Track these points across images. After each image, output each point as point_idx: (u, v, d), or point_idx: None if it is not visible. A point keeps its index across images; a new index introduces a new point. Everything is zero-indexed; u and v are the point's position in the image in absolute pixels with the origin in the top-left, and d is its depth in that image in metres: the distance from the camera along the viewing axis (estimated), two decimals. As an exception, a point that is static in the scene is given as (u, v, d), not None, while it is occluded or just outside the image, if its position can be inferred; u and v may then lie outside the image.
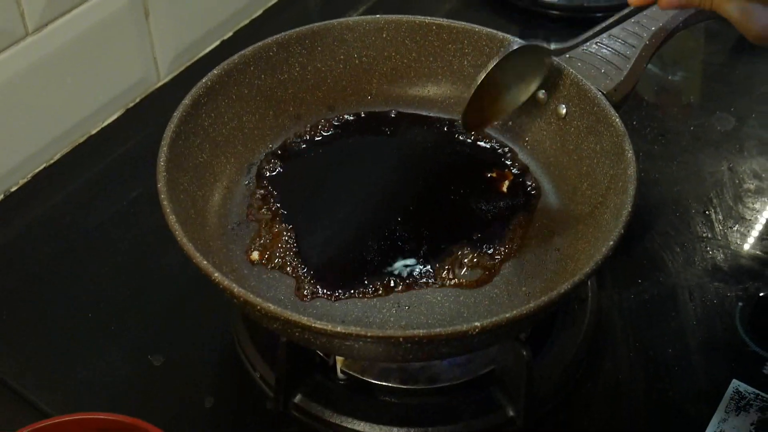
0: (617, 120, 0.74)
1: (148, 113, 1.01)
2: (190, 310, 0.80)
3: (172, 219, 0.66)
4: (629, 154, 0.71)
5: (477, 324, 0.59)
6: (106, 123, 0.99)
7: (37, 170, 0.93)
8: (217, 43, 1.08)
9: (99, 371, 0.76)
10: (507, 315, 0.60)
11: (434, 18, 0.84)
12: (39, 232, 0.88)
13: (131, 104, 1.01)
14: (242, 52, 0.80)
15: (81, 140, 0.97)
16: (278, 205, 0.78)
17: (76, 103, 0.95)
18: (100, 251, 0.86)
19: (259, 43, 0.81)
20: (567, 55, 0.82)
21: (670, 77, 1.09)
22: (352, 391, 0.74)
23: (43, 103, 0.91)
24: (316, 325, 0.59)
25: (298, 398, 0.72)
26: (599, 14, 1.11)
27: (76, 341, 0.78)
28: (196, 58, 1.06)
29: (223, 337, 0.78)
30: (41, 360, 0.77)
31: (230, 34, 1.09)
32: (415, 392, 0.74)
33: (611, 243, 0.64)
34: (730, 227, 0.88)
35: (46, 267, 0.85)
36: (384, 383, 0.74)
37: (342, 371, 0.74)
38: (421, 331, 0.59)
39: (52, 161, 0.94)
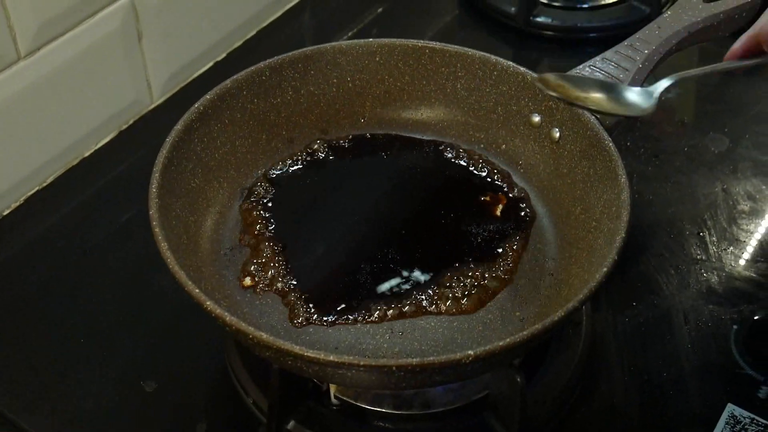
0: (610, 144, 0.74)
1: (141, 135, 1.00)
2: (183, 335, 0.80)
3: (164, 246, 0.66)
4: (622, 179, 0.71)
5: (470, 353, 0.59)
6: (99, 145, 0.99)
7: (30, 193, 0.93)
8: (211, 64, 1.08)
9: (91, 396, 0.76)
10: (500, 343, 0.60)
11: (427, 42, 0.84)
12: (31, 256, 0.88)
13: (125, 126, 1.01)
14: (234, 76, 0.80)
15: (74, 162, 0.97)
16: (271, 229, 0.78)
17: (69, 126, 0.94)
18: (92, 275, 0.86)
19: (252, 68, 0.81)
20: (561, 79, 0.82)
21: (665, 95, 1.09)
22: (346, 416, 0.73)
23: (35, 126, 0.90)
24: (309, 354, 0.59)
25: (291, 425, 0.72)
26: (593, 35, 1.11)
27: (67, 366, 0.78)
28: (189, 80, 1.06)
29: (215, 362, 0.78)
30: (31, 385, 0.76)
31: (224, 55, 1.09)
32: (409, 417, 0.73)
33: (605, 270, 0.64)
34: (725, 249, 0.87)
35: (37, 290, 0.84)
36: (378, 409, 0.73)
37: (335, 397, 0.74)
38: (414, 360, 0.59)
39: (45, 184, 0.94)
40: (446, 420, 0.73)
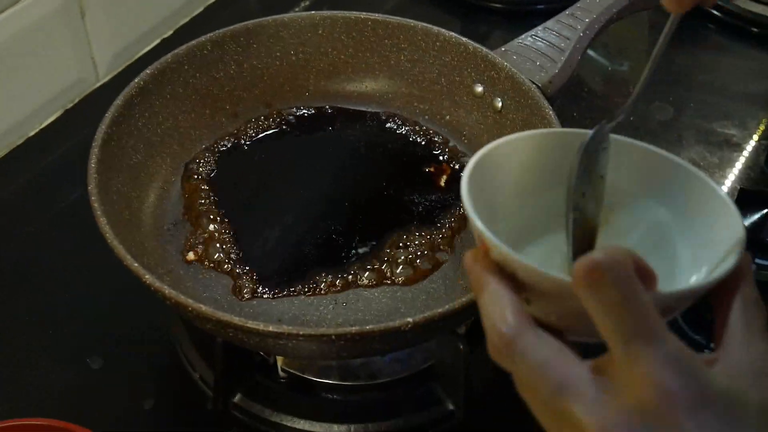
0: (550, 112, 0.74)
1: (87, 113, 0.99)
2: (129, 312, 0.79)
3: (102, 221, 0.66)
4: (563, 147, 0.71)
5: (409, 320, 0.59)
6: (44, 125, 0.98)
7: (-27, 174, 0.92)
8: (158, 41, 1.07)
9: (36, 375, 0.75)
10: (439, 310, 0.60)
11: (369, 14, 0.84)
12: (-25, 237, 0.87)
13: (70, 105, 1.00)
14: (175, 51, 0.80)
15: (19, 143, 0.95)
16: (214, 203, 0.77)
17: (12, 106, 0.93)
18: (37, 255, 0.85)
19: (193, 42, 0.81)
20: (502, 49, 0.83)
21: (616, 67, 1.10)
22: (293, 389, 0.73)
23: (-23, 105, 0.89)
24: (248, 325, 0.59)
25: (237, 398, 0.72)
26: (540, 6, 1.11)
27: (12, 345, 0.77)
28: (136, 57, 1.05)
29: (162, 338, 0.77)
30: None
31: (170, 32, 1.08)
32: (356, 389, 0.74)
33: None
34: (669, 216, 0.88)
35: (-19, 272, 0.84)
36: (324, 380, 0.73)
37: (282, 369, 0.74)
38: (353, 328, 0.59)
39: (-12, 165, 0.93)
40: (393, 390, 0.74)
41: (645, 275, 0.40)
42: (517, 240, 0.51)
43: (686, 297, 0.44)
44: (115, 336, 0.78)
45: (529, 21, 1.11)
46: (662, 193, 0.52)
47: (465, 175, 0.48)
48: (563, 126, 0.73)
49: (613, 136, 0.54)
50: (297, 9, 1.12)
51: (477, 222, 0.46)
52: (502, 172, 0.52)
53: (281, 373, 0.74)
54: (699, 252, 0.49)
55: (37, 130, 0.97)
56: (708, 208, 0.49)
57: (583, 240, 0.50)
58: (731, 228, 0.47)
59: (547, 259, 0.53)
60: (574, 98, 1.00)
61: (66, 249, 0.85)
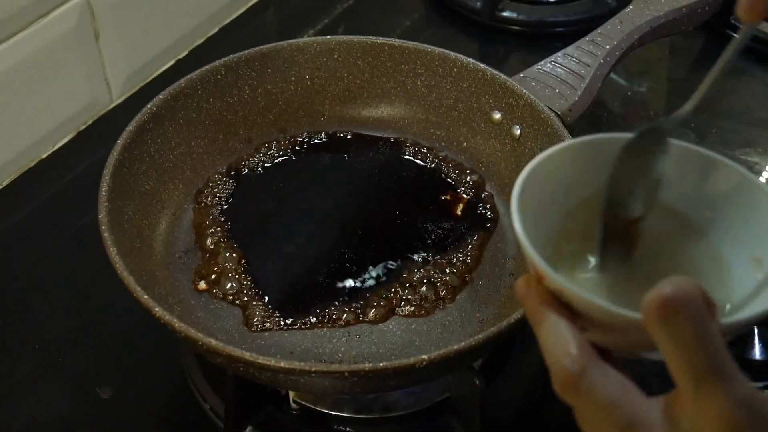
0: (570, 142, 0.72)
1: (100, 136, 0.98)
2: (139, 341, 0.78)
3: (112, 251, 0.64)
4: (582, 177, 0.70)
5: (424, 357, 0.58)
6: (56, 147, 0.97)
7: (-16, 197, 0.91)
8: (172, 62, 1.06)
9: (45, 405, 0.74)
10: (455, 347, 0.59)
11: (386, 38, 0.83)
12: (-15, 261, 0.86)
13: (83, 127, 0.99)
14: (189, 75, 0.79)
15: (31, 165, 0.95)
16: (226, 231, 0.76)
17: (25, 128, 0.92)
18: (47, 281, 0.84)
19: (207, 66, 0.80)
20: (521, 75, 0.81)
21: (636, 88, 1.08)
22: (305, 421, 0.72)
23: (-10, 128, 0.89)
24: (260, 361, 0.58)
25: (248, 430, 0.70)
26: (560, 29, 1.10)
27: (20, 373, 0.76)
28: (150, 78, 1.04)
29: (173, 367, 0.76)
30: (-17, 395, 0.75)
31: (185, 53, 1.08)
32: (370, 421, 0.72)
33: (563, 271, 0.63)
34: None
35: (-9, 297, 0.83)
36: (338, 413, 0.72)
37: (294, 401, 0.72)
38: (366, 365, 0.58)
39: (0, 187, 0.92)
40: (407, 423, 0.72)
41: (708, 306, 0.39)
42: (571, 261, 0.50)
43: (745, 325, 0.43)
44: (124, 365, 0.77)
45: (547, 44, 1.10)
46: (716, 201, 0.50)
47: (514, 197, 0.47)
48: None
49: (677, 142, 0.52)
50: (312, 31, 1.11)
51: (529, 249, 0.44)
52: (548, 189, 0.50)
53: (293, 405, 0.72)
54: (754, 264, 0.47)
55: (50, 152, 0.96)
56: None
57: (618, 243, 0.49)
58: None
59: (600, 282, 0.51)
60: (595, 122, 0.99)
61: (76, 274, 0.84)
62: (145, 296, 0.61)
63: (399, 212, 0.79)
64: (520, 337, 0.76)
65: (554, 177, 0.50)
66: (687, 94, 1.03)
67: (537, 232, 0.46)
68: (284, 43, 0.82)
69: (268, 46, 0.82)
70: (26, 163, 0.94)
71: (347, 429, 0.72)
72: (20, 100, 0.90)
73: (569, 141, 0.52)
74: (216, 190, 0.79)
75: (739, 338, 0.76)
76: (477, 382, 0.66)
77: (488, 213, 0.79)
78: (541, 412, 0.74)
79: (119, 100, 1.02)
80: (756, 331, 0.75)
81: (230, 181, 0.80)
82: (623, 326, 0.41)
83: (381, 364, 0.58)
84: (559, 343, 0.42)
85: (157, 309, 0.61)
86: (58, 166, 0.95)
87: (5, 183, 0.93)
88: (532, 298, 0.44)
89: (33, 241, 0.88)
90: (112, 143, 0.74)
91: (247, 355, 0.58)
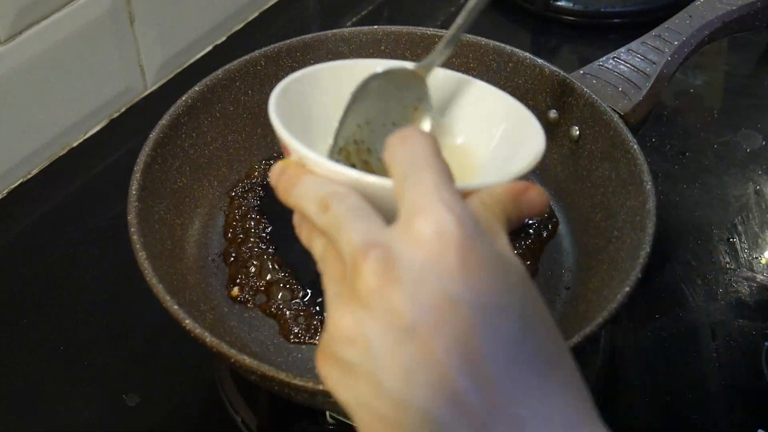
0: (635, 147, 0.67)
1: (134, 124, 0.94)
2: (169, 346, 0.74)
3: (141, 255, 0.60)
4: (648, 186, 0.65)
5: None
6: (88, 134, 0.93)
7: (13, 185, 0.88)
8: (210, 48, 1.02)
9: (70, 411, 0.70)
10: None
11: (436, 30, 0.78)
12: (13, 255, 0.82)
13: (116, 114, 0.95)
14: (227, 66, 0.74)
15: (62, 153, 0.91)
16: (264, 234, 0.72)
17: (56, 114, 0.89)
18: (76, 276, 0.80)
19: (246, 57, 0.75)
20: (581, 71, 0.76)
21: (691, 80, 1.02)
22: (342, 438, 0.68)
23: (20, 114, 0.85)
24: (295, 382, 0.54)
25: (282, 447, 0.66)
26: (616, 20, 1.04)
27: (46, 378, 0.72)
28: (186, 65, 1.00)
29: (203, 375, 0.72)
30: (7, 401, 0.71)
31: (223, 38, 1.03)
32: (410, 440, 0.68)
33: (627, 289, 0.58)
34: (757, 257, 0.81)
35: (15, 294, 0.79)
36: (376, 431, 0.67)
37: (331, 416, 0.68)
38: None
39: (29, 176, 0.89)
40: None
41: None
42: None
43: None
44: (153, 371, 0.73)
45: (603, 35, 1.05)
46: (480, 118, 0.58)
47: (273, 96, 0.52)
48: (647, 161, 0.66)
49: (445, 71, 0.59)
50: (355, 18, 1.06)
51: (279, 127, 0.49)
52: (313, 99, 0.55)
53: (329, 421, 0.68)
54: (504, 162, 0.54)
55: (81, 140, 0.92)
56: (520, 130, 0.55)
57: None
58: (534, 146, 0.52)
59: None
60: (652, 121, 0.93)
61: (105, 271, 0.80)
62: (175, 306, 0.57)
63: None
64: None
65: (319, 92, 0.55)
66: (749, 93, 0.98)
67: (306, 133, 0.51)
68: (328, 32, 0.77)
69: (310, 35, 0.77)
70: (57, 151, 0.91)
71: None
72: (52, 85, 0.86)
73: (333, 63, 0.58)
74: (253, 188, 0.75)
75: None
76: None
77: (544, 221, 0.73)
78: None
79: (154, 87, 0.98)
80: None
81: (267, 178, 0.76)
82: (372, 192, 0.43)
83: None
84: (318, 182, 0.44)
85: (187, 321, 0.56)
86: (89, 155, 0.92)
87: (34, 172, 0.89)
88: (288, 176, 0.46)
89: (61, 233, 0.84)
90: (146, 132, 0.70)
91: (282, 375, 0.54)
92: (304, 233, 0.46)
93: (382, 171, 0.52)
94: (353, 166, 0.53)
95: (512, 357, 0.37)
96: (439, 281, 0.37)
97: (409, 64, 0.56)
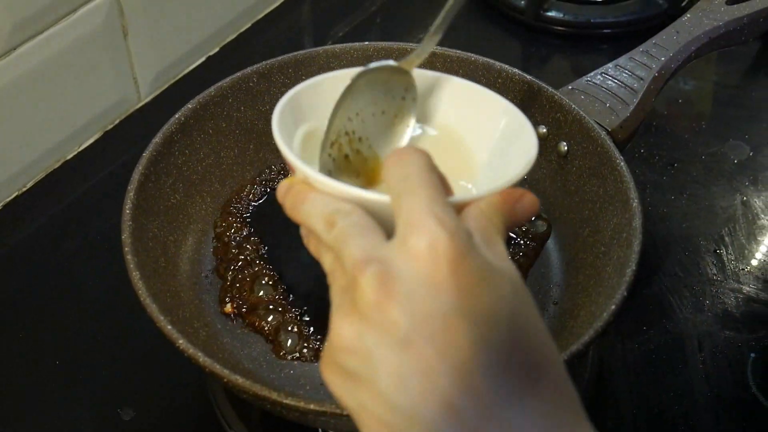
0: (622, 164, 0.68)
1: (128, 135, 0.95)
2: (164, 360, 0.75)
3: (135, 275, 0.61)
4: (634, 204, 0.66)
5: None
6: (83, 147, 0.93)
7: (8, 199, 0.88)
8: (203, 59, 1.03)
9: (64, 424, 0.71)
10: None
11: (427, 46, 0.78)
12: (7, 268, 0.83)
13: (110, 126, 0.95)
14: (219, 83, 0.75)
15: (56, 166, 0.91)
16: (256, 250, 0.73)
17: (51, 127, 0.89)
18: (70, 290, 0.81)
19: (238, 74, 0.76)
20: (569, 87, 0.77)
21: (681, 87, 1.03)
22: (334, 453, 0.69)
23: (14, 128, 0.85)
24: (287, 402, 0.54)
25: (274, 462, 0.67)
26: (607, 30, 1.04)
27: (39, 390, 0.73)
28: (180, 76, 1.01)
29: (197, 390, 0.73)
30: (1, 412, 0.72)
31: (216, 49, 1.04)
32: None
33: (613, 307, 0.59)
34: (743, 268, 0.82)
35: (9, 308, 0.79)
36: (368, 444, 0.68)
37: None
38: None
39: (24, 189, 0.89)
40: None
41: (440, 178, 0.45)
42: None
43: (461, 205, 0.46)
44: (148, 385, 0.74)
45: (593, 45, 1.06)
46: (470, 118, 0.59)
47: (275, 115, 0.53)
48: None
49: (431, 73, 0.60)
50: (347, 29, 1.06)
51: (282, 146, 0.50)
52: (314, 110, 0.56)
53: (322, 435, 0.69)
54: (498, 165, 0.56)
55: (75, 152, 0.93)
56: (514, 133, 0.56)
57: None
58: (527, 150, 0.53)
59: None
60: (641, 134, 0.94)
61: (100, 284, 0.81)
62: (169, 327, 0.58)
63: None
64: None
65: (320, 105, 0.56)
66: (737, 103, 0.99)
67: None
68: (320, 49, 0.78)
69: (302, 52, 0.78)
70: (51, 164, 0.91)
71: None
72: (46, 98, 0.87)
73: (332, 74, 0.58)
74: (245, 204, 0.76)
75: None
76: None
77: (532, 236, 0.74)
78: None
79: (147, 99, 0.98)
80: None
81: (260, 194, 0.77)
82: (372, 208, 0.45)
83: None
84: (324, 200, 0.46)
85: (181, 341, 0.57)
86: (83, 168, 0.92)
87: (29, 185, 0.90)
88: (294, 193, 0.48)
89: (55, 246, 0.85)
90: (140, 144, 0.71)
91: (274, 395, 0.55)
92: (312, 246, 0.49)
93: (373, 158, 0.56)
94: (345, 156, 0.55)
95: (502, 365, 0.39)
96: (432, 294, 0.39)
97: (394, 62, 0.57)
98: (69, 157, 0.93)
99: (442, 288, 0.39)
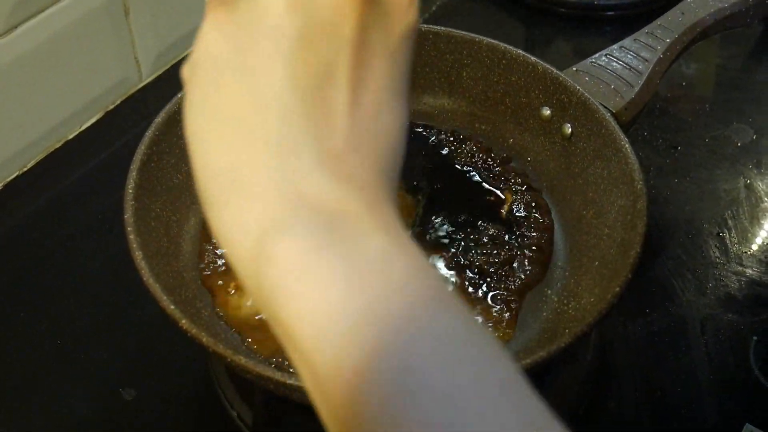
0: (627, 146, 0.68)
1: (130, 116, 0.95)
2: (166, 340, 0.75)
3: (138, 255, 0.61)
4: (639, 185, 0.65)
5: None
6: (84, 127, 0.93)
7: (9, 179, 0.88)
8: (205, 39, 1.02)
9: (65, 404, 0.71)
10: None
11: (430, 26, 0.78)
12: (8, 247, 0.83)
13: (111, 106, 0.95)
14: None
15: (57, 146, 0.91)
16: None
17: (52, 107, 0.89)
18: (71, 270, 0.81)
19: (241, 53, 0.75)
20: (574, 68, 0.76)
21: (684, 69, 1.03)
22: (337, 432, 0.69)
23: (15, 107, 0.85)
24: (290, 382, 0.54)
25: (277, 442, 0.67)
26: (610, 12, 1.04)
27: (41, 370, 0.73)
28: (182, 56, 1.00)
29: (200, 370, 0.73)
30: (2, 393, 0.72)
31: (218, 29, 1.03)
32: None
33: (617, 289, 0.59)
34: (746, 251, 0.82)
35: (10, 288, 0.79)
36: (370, 425, 0.68)
37: (326, 411, 0.69)
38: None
39: (25, 169, 0.89)
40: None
41: None
42: None
43: None
44: (150, 365, 0.74)
45: (598, 27, 1.06)
46: None
47: None
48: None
49: None
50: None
51: None
52: None
53: (324, 415, 0.69)
54: None
55: (76, 132, 0.93)
56: None
57: None
58: None
59: None
60: (645, 116, 0.94)
61: (101, 264, 0.81)
62: (172, 306, 0.58)
63: (441, 214, 0.74)
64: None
65: None
66: (742, 86, 0.99)
67: None
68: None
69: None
70: (52, 144, 0.91)
71: (380, 440, 0.68)
72: (47, 77, 0.87)
73: None
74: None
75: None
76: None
77: (538, 216, 0.74)
78: (583, 430, 0.70)
79: (149, 79, 0.98)
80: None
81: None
82: None
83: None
84: None
85: (184, 321, 0.57)
86: (85, 147, 0.92)
87: (30, 164, 0.89)
88: None
89: (57, 226, 0.85)
90: (142, 124, 0.70)
91: (278, 376, 0.55)
92: None
93: None
94: None
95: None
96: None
97: None
98: (70, 136, 0.92)
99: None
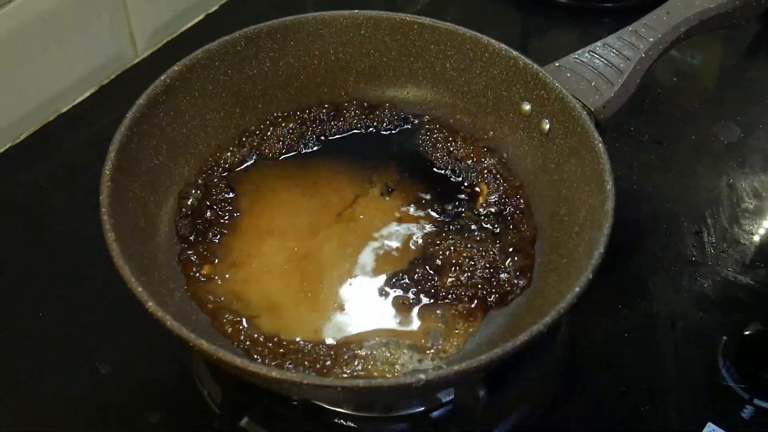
0: (600, 146, 0.68)
1: (124, 91, 0.96)
2: (141, 316, 0.76)
3: (110, 236, 0.62)
4: (609, 186, 0.66)
5: (422, 377, 0.55)
6: (78, 100, 0.94)
7: (2, 149, 0.89)
8: (202, 16, 1.03)
9: (42, 377, 0.73)
10: (455, 368, 0.56)
11: (416, 17, 0.79)
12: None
13: (106, 81, 0.96)
14: (206, 46, 0.75)
15: (50, 118, 0.93)
16: (233, 213, 0.73)
17: (46, 80, 0.90)
18: (57, 243, 0.82)
19: (226, 37, 0.76)
20: (556, 64, 0.77)
21: (688, 61, 1.03)
22: (305, 415, 0.70)
23: (9, 79, 0.86)
24: (250, 368, 0.56)
25: (244, 421, 0.69)
26: (608, 4, 1.04)
27: (19, 343, 0.75)
28: (177, 33, 1.01)
29: (173, 347, 0.74)
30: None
31: (216, 7, 1.04)
32: (370, 419, 0.70)
33: (577, 289, 0.60)
34: (723, 251, 0.82)
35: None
36: (338, 409, 0.70)
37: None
38: (360, 382, 0.56)
39: (18, 140, 0.90)
40: (408, 422, 0.70)
41: None
42: None
43: None
44: (126, 341, 0.75)
45: (594, 19, 1.05)
46: None
47: None
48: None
49: None
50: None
51: None
52: None
53: (293, 398, 0.71)
54: None
55: (70, 106, 0.94)
56: None
57: None
58: None
59: None
60: (632, 109, 0.94)
61: (86, 241, 0.82)
62: (140, 289, 0.59)
63: (418, 205, 0.75)
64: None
65: None
66: (733, 83, 0.98)
67: None
68: (309, 15, 0.78)
69: (291, 17, 0.78)
70: (46, 116, 0.92)
71: (348, 423, 0.70)
72: (42, 51, 0.88)
73: None
74: (227, 167, 0.76)
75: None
76: (480, 393, 0.63)
77: (514, 210, 0.75)
78: (547, 424, 0.71)
79: (144, 55, 0.99)
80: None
81: (243, 158, 0.77)
82: None
83: (375, 382, 0.55)
84: None
85: (150, 304, 0.59)
86: (78, 121, 0.93)
87: (23, 136, 0.91)
88: None
89: (45, 199, 0.86)
90: (135, 100, 0.71)
91: (238, 362, 0.56)
92: None
93: None
94: None
95: None
96: None
97: None
98: (64, 110, 0.94)
99: None
